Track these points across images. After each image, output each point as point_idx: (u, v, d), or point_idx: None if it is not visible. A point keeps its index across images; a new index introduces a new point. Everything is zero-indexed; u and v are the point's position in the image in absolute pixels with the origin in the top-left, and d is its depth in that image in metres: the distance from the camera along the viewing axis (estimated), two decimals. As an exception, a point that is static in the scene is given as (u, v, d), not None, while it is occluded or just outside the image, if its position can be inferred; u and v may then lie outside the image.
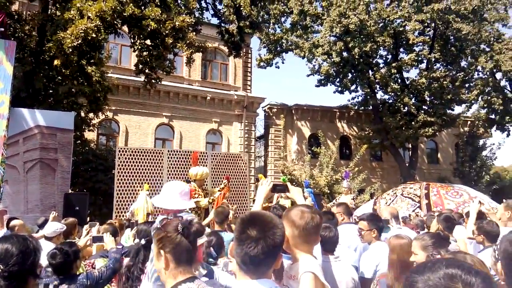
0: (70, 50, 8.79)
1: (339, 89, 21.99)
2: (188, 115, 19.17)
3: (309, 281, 1.75)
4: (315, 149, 20.43)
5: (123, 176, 9.49)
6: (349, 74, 21.35)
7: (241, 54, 15.59)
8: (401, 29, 19.97)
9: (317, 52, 19.83)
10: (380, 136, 21.14)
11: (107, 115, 15.92)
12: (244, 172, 10.87)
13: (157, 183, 9.49)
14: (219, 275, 2.69)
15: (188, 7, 11.53)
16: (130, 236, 4.51)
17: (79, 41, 8.62)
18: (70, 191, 10.32)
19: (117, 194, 9.36)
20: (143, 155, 9.77)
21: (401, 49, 21.45)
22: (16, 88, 9.98)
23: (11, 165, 9.22)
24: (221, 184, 7.74)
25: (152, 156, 9.90)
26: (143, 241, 2.91)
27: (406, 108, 20.06)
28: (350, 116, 23.61)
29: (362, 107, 22.50)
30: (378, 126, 21.07)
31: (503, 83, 28.12)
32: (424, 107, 20.58)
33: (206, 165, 9.46)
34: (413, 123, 19.73)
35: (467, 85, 22.21)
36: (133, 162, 9.62)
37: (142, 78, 11.80)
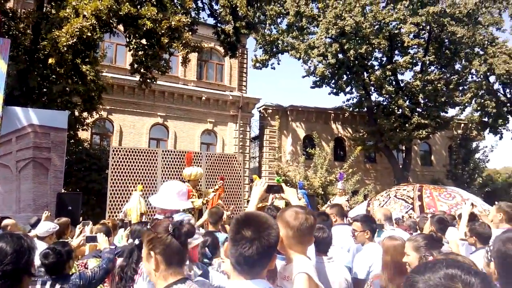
0: (65, 49, 8.73)
1: (334, 90, 22.06)
2: (183, 115, 19.13)
3: (303, 281, 1.76)
4: (310, 150, 20.48)
5: (116, 176, 9.45)
6: (344, 76, 21.44)
7: (237, 55, 15.58)
8: (396, 31, 20.09)
9: (313, 54, 19.90)
10: (374, 138, 21.25)
11: (101, 114, 15.84)
12: (239, 173, 10.88)
13: (151, 183, 9.47)
14: (213, 276, 2.69)
15: (184, 6, 11.51)
16: (123, 236, 4.49)
17: (74, 40, 8.57)
18: (63, 190, 10.26)
19: (111, 194, 9.32)
20: (137, 155, 9.74)
21: (396, 52, 21.58)
22: (10, 86, 9.90)
23: (4, 164, 9.16)
24: (215, 184, 7.73)
25: (146, 156, 9.87)
26: (137, 241, 2.90)
27: (400, 110, 20.17)
28: (345, 118, 23.71)
29: (357, 109, 22.59)
30: (372, 128, 21.17)
31: (496, 86, 28.42)
32: (418, 109, 20.70)
33: (201, 166, 9.45)
34: (407, 125, 19.84)
35: (461, 88, 22.42)
36: (127, 162, 9.58)
37: (137, 78, 11.75)
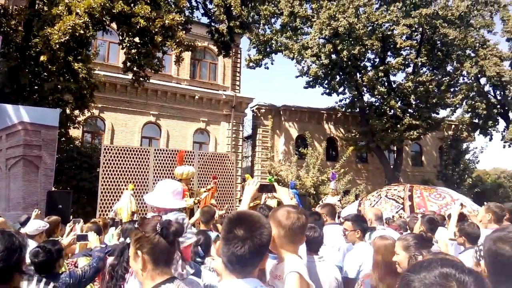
0: (57, 46, 8.65)
1: (327, 91, 22.17)
2: (176, 114, 19.06)
3: (295, 280, 1.77)
4: (302, 150, 20.54)
5: (108, 174, 9.39)
6: (337, 77, 21.54)
7: (231, 54, 15.56)
8: (389, 33, 20.24)
9: (306, 54, 19.96)
10: (366, 138, 21.38)
11: (93, 112, 15.73)
12: (231, 172, 10.87)
13: (143, 182, 9.43)
14: (205, 275, 2.69)
15: (178, 5, 11.47)
16: (114, 235, 4.47)
17: (67, 37, 8.50)
18: (53, 189, 10.15)
19: (102, 192, 9.26)
20: (129, 154, 9.69)
21: (389, 53, 21.74)
22: (1, 83, 9.80)
23: (-7, 162, 9.03)
24: (208, 184, 7.73)
25: (138, 154, 9.82)
26: (128, 240, 2.89)
27: (392, 111, 20.33)
28: (337, 118, 23.82)
29: (349, 109, 22.72)
30: (364, 128, 21.30)
31: (487, 88, 28.79)
32: (409, 110, 20.89)
33: (193, 165, 9.43)
34: (398, 126, 20.00)
35: (452, 89, 22.65)
36: (119, 160, 9.53)
37: (129, 76, 11.69)
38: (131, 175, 9.49)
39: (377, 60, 22.00)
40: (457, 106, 25.87)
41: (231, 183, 10.77)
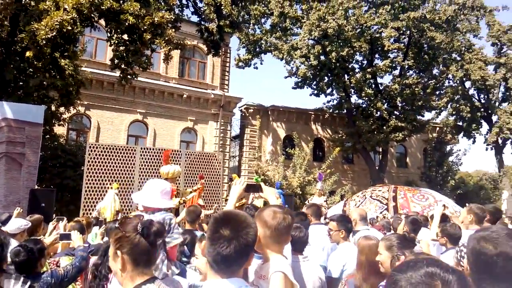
0: (44, 42, 8.50)
1: (315, 92, 22.31)
2: (163, 112, 18.93)
3: (279, 280, 1.78)
4: (289, 150, 20.62)
5: (92, 173, 9.28)
6: (326, 78, 21.68)
7: (220, 53, 15.54)
8: (377, 35, 20.47)
9: (295, 55, 20.04)
10: (352, 139, 21.58)
11: (78, 109, 15.50)
12: (218, 172, 10.85)
13: (129, 181, 9.34)
14: (190, 274, 2.69)
15: (168, 3, 11.41)
16: (97, 234, 4.42)
17: (54, 33, 8.36)
18: (36, 187, 9.98)
19: (86, 191, 9.15)
20: (114, 152, 9.59)
21: (377, 55, 21.98)
22: (-17, 78, 9.57)
23: (-25, 159, 8.83)
24: (195, 184, 7.70)
25: (124, 153, 9.72)
26: (112, 239, 2.87)
27: (378, 113, 20.56)
28: (325, 119, 23.98)
29: (337, 111, 22.89)
30: (351, 130, 21.50)
31: (471, 91, 29.43)
32: (395, 112, 21.16)
33: (180, 164, 9.39)
34: (384, 127, 20.24)
35: (437, 92, 23.02)
36: (104, 158, 9.42)
37: (117, 73, 11.56)
38: (116, 173, 9.39)
39: (365, 62, 22.23)
40: (442, 109, 26.33)
41: (218, 182, 10.75)
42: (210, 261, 1.54)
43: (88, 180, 9.20)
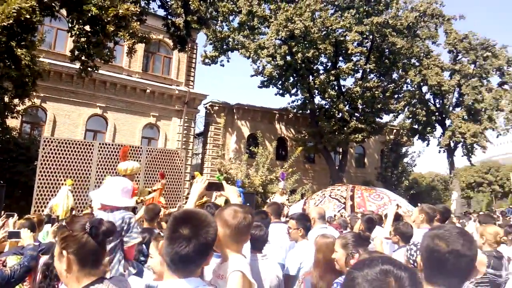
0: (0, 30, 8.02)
1: (281, 91, 22.55)
2: (125, 107, 18.38)
3: (237, 280, 1.78)
4: (253, 149, 20.72)
5: (46, 168, 8.88)
6: (291, 78, 21.96)
7: (186, 49, 15.29)
8: (342, 38, 20.98)
9: (262, 54, 20.13)
10: (314, 139, 22.03)
11: (34, 102, 14.73)
12: (180, 169, 10.72)
13: (85, 178, 9.02)
14: (147, 274, 2.65)
15: (134, -5, 11.09)
16: (49, 233, 4.24)
17: (10, 21, 7.89)
18: (-15, 181, 9.41)
19: (38, 187, 8.74)
20: (71, 147, 9.22)
21: (340, 58, 22.52)
22: None
23: None
24: (156, 181, 7.55)
25: (81, 148, 9.37)
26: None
27: (340, 114, 21.10)
28: (289, 119, 24.30)
29: (301, 111, 23.26)
30: (313, 130, 21.94)
31: (427, 96, 30.94)
32: (356, 114, 21.78)
33: (140, 161, 9.18)
34: (345, 128, 20.81)
35: (396, 96, 23.91)
36: (59, 153, 9.04)
37: (77, 65, 11.10)
38: (72, 169, 9.04)
39: (329, 64, 22.72)
40: (400, 112, 27.52)
41: (179, 180, 10.62)
42: (167, 261, 1.51)
43: (41, 175, 8.79)
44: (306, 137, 22.54)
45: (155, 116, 19.15)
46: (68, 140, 9.63)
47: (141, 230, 3.57)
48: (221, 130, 22.09)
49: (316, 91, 21.94)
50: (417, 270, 3.29)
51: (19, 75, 11.11)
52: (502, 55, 29.74)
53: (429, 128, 30.71)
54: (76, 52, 10.22)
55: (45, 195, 8.72)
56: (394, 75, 23.37)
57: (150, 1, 14.06)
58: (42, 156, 8.92)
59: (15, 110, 12.73)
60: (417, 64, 26.26)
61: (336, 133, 20.85)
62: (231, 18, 21.57)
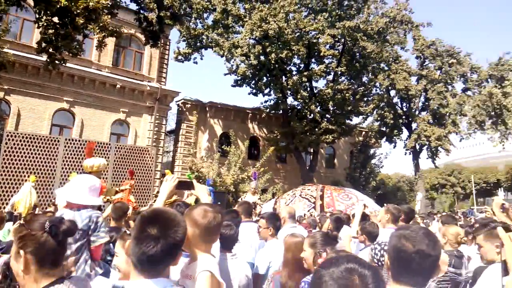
0: (-39, 19, 7.59)
1: (254, 91, 22.61)
2: (93, 102, 17.86)
3: (206, 280, 1.78)
4: (225, 148, 20.67)
5: (9, 163, 8.51)
6: (264, 78, 22.06)
7: (159, 45, 15.04)
8: (314, 40, 21.28)
9: (236, 53, 20.09)
10: (286, 139, 22.26)
11: (-4, 94, 14.08)
12: (150, 167, 10.55)
13: (49, 174, 8.71)
14: (114, 274, 2.59)
15: (106, -13, 10.75)
16: (11, 231, 4.07)
17: (-27, 10, 7.49)
18: None
19: (0, 183, 8.35)
20: (35, 142, 8.88)
21: (313, 60, 22.84)
22: None
23: None
24: (125, 179, 7.38)
25: (46, 143, 9.04)
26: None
27: (311, 115, 21.42)
28: (261, 118, 24.41)
29: (273, 111, 23.43)
30: (285, 130, 22.15)
31: (395, 100, 31.95)
32: (327, 115, 22.17)
33: (108, 157, 8.95)
34: (316, 129, 21.15)
35: (365, 99, 24.53)
36: (23, 148, 8.68)
37: (44, 58, 10.69)
38: (36, 165, 8.70)
39: (302, 65, 22.99)
40: (369, 114, 28.24)
41: (149, 178, 10.45)
42: (134, 261, 1.48)
43: (4, 171, 8.42)
44: (278, 137, 22.73)
45: (125, 112, 18.73)
46: (32, 135, 9.26)
47: (108, 229, 3.49)
48: (193, 128, 21.89)
49: (289, 92, 22.15)
50: (380, 268, 3.41)
51: (-19, 67, 10.61)
52: (466, 62, 31.15)
53: (396, 130, 31.73)
54: (43, 44, 9.86)
55: (7, 191, 8.35)
56: (364, 79, 23.91)
57: (123, -6, 13.75)
58: (5, 151, 8.54)
59: (-24, 102, 12.15)
60: (386, 68, 27.05)
61: (308, 133, 21.14)
62: (205, 15, 21.38)
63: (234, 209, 4.63)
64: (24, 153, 8.68)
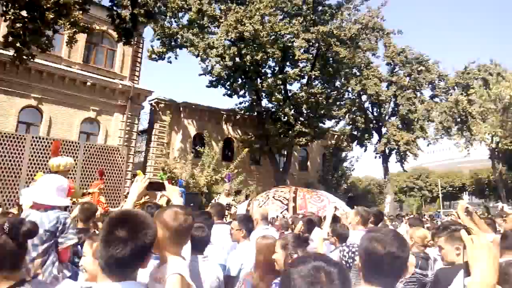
0: None
1: (229, 92, 22.59)
2: (62, 99, 17.28)
3: (176, 282, 1.75)
4: (199, 149, 20.51)
5: (-30, 161, 8.10)
6: (239, 80, 22.08)
7: (132, 42, 14.72)
8: (289, 44, 21.51)
9: (211, 53, 20.02)
10: (261, 141, 22.34)
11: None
12: (121, 167, 10.31)
13: (15, 173, 8.35)
14: (82, 277, 2.52)
15: (77, -18, 10.46)
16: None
17: None
18: None
19: (-39, 182, 7.94)
20: (0, 140, 8.48)
21: (288, 63, 23.05)
22: None
23: None
24: (94, 179, 7.18)
25: (11, 141, 8.68)
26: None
27: (286, 117, 21.61)
28: (236, 120, 24.40)
29: (248, 113, 23.48)
30: (260, 132, 22.25)
31: (366, 105, 32.79)
32: (301, 118, 22.43)
33: (77, 157, 8.69)
34: (290, 132, 21.37)
35: (338, 103, 24.99)
36: (-14, 146, 8.28)
37: (11, 52, 10.25)
38: (0, 164, 8.32)
39: (277, 68, 23.16)
40: (341, 118, 28.86)
41: (120, 178, 10.21)
42: (101, 264, 1.45)
43: (-37, 170, 8.00)
44: (253, 138, 22.77)
45: (95, 111, 18.23)
46: (-4, 132, 8.86)
47: (76, 231, 3.39)
48: (167, 128, 21.59)
49: (264, 94, 22.28)
50: (349, 269, 3.47)
51: None
52: (434, 70, 32.39)
53: (367, 135, 32.59)
54: (10, 38, 9.47)
55: (-35, 191, 7.94)
56: (337, 83, 24.36)
57: (95, -10, 13.41)
58: (-36, 149, 8.13)
59: None
60: (358, 74, 27.73)
61: (282, 136, 21.32)
62: (180, 14, 21.18)
63: (206, 210, 4.60)
64: (-13, 151, 8.30)
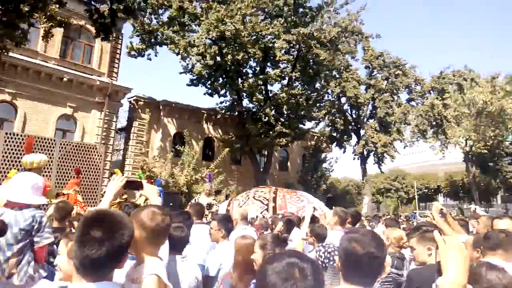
0: None
1: (209, 91, 22.47)
2: (38, 95, 16.79)
3: (152, 283, 1.74)
4: (179, 148, 20.32)
5: None
6: (220, 79, 21.99)
7: (110, 38, 14.43)
8: (270, 45, 21.58)
9: (192, 52, 19.86)
10: (241, 141, 22.33)
11: None
12: (98, 165, 10.08)
13: (-13, 170, 8.05)
14: (58, 276, 2.46)
15: (53, -25, 10.17)
16: None
17: None
18: None
19: None
20: (-30, 136, 8.17)
21: (269, 64, 23.13)
22: None
23: None
24: (70, 177, 7.01)
25: (-17, 137, 8.35)
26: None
27: (266, 118, 21.67)
28: (217, 119, 24.30)
29: (229, 112, 23.43)
30: (240, 132, 22.24)
31: (345, 107, 33.27)
32: (281, 119, 22.55)
33: (53, 154, 8.45)
34: (271, 132, 21.45)
35: (318, 104, 25.27)
36: (-45, 142, 7.95)
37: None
38: (-30, 161, 8.01)
39: (258, 68, 23.20)
40: (321, 119, 29.24)
41: (97, 177, 9.98)
42: (76, 265, 1.42)
43: None
44: (233, 138, 22.73)
45: (72, 107, 17.79)
46: (-35, 128, 8.51)
47: (52, 230, 3.31)
48: (146, 127, 21.29)
49: (245, 94, 22.27)
50: (325, 269, 3.50)
51: None
52: (411, 74, 33.20)
53: (346, 136, 33.10)
54: (-17, 32, 9.10)
55: None
56: (317, 85, 24.60)
57: (73, -16, 13.09)
58: None
59: None
60: (337, 76, 28.10)
61: (262, 136, 21.38)
62: (160, 11, 20.90)
63: (185, 210, 4.57)
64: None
